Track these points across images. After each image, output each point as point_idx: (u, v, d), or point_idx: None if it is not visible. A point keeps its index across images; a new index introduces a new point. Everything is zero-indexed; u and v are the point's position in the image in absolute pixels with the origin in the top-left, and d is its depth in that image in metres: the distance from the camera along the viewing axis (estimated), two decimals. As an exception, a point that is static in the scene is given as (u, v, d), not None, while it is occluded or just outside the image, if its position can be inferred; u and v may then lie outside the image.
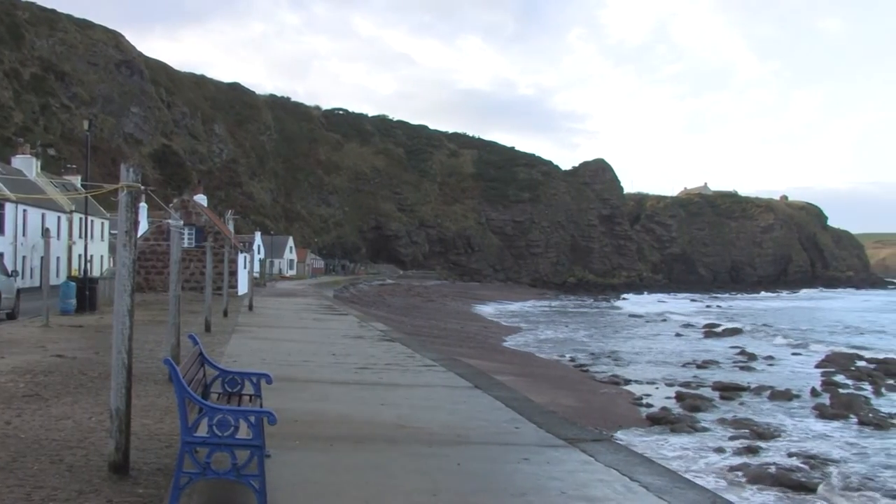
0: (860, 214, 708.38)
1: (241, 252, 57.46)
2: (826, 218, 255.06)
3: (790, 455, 17.47)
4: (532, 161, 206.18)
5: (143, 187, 7.98)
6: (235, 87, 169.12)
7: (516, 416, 11.26)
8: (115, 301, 7.28)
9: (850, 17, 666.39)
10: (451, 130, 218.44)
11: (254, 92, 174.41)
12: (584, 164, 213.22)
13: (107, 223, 71.81)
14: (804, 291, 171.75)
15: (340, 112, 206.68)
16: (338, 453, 8.50)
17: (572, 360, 36.97)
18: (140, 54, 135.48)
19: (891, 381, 30.84)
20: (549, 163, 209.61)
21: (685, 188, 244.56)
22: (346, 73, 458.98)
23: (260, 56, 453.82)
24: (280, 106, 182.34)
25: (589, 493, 7.16)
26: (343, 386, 13.89)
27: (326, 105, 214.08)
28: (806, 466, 16.29)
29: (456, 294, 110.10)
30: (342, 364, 16.95)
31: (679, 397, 25.15)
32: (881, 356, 40.09)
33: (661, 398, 25.18)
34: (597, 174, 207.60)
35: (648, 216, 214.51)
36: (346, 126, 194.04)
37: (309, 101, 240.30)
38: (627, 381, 29.17)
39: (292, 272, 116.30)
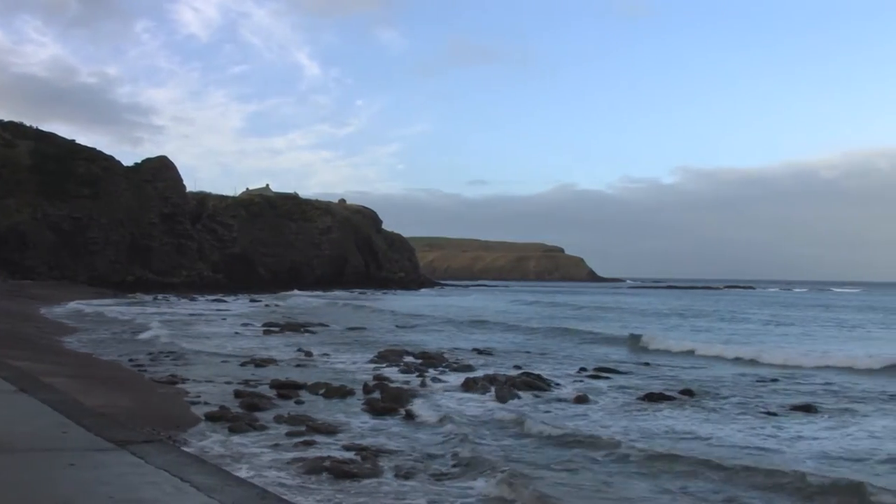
0: (412, 219, 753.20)
1: None
2: (381, 222, 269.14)
3: (345, 448, 18.13)
4: (93, 155, 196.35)
5: None
6: None
7: (65, 420, 10.76)
8: None
9: (405, 31, 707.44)
10: (6, 119, 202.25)
11: None
12: (147, 161, 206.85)
13: None
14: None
15: None
16: None
17: (131, 360, 35.66)
18: None
19: (432, 374, 32.94)
20: (111, 158, 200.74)
21: (247, 189, 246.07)
22: None
23: None
24: None
25: (139, 495, 6.96)
26: None
27: None
28: (359, 458, 16.98)
29: (7, 293, 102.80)
30: None
31: (238, 395, 25.18)
32: (422, 350, 42.67)
33: (219, 396, 25.08)
34: (159, 171, 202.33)
35: (210, 216, 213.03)
36: None
37: None
38: (185, 380, 28.69)
39: None
